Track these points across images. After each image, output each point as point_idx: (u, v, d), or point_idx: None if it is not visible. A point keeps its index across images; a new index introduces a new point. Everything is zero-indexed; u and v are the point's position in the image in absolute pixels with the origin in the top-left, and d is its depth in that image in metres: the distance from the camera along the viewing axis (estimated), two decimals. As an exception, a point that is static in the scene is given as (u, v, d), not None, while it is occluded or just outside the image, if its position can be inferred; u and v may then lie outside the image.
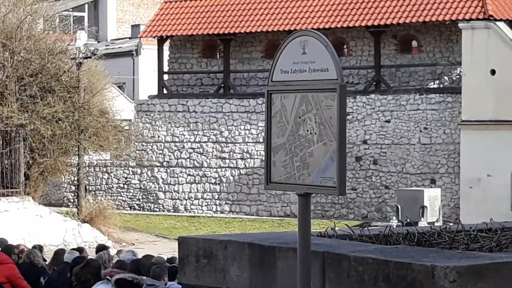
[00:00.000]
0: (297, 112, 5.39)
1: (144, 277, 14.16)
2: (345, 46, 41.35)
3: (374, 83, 40.54)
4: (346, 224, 7.12)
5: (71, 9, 62.17)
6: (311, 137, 5.31)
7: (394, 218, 32.03)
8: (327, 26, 39.00)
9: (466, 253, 5.41)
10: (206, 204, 42.82)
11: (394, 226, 9.92)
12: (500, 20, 37.70)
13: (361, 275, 5.21)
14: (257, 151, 41.51)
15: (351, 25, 40.43)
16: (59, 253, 18.05)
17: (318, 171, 5.27)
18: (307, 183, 5.34)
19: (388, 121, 39.50)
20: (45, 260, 17.46)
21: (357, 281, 5.23)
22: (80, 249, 19.46)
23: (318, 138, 5.26)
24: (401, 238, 6.19)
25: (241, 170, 42.15)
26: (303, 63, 5.37)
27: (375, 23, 39.90)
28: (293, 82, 5.43)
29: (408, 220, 29.35)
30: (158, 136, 43.79)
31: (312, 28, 32.35)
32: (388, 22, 39.70)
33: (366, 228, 6.68)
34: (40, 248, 18.63)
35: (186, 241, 6.55)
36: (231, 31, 42.88)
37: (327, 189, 5.28)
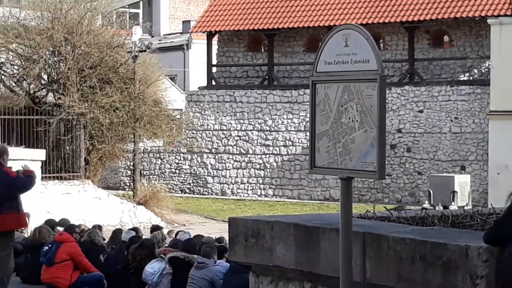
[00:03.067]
0: (339, 101, 5.38)
1: (195, 256, 14.23)
2: (381, 41, 41.13)
3: (408, 75, 40.41)
4: (385, 207, 7.10)
5: (127, 6, 62.42)
6: (352, 124, 5.31)
7: (427, 202, 31.94)
8: (364, 22, 38.75)
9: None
10: (251, 188, 42.86)
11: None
12: (527, 16, 37.60)
13: (399, 255, 5.20)
14: (298, 139, 41.48)
15: (386, 20, 40.32)
16: (116, 232, 18.20)
17: (359, 157, 5.27)
18: (349, 168, 5.35)
19: (421, 111, 39.37)
20: (104, 239, 17.59)
21: (396, 260, 5.21)
22: (135, 229, 19.60)
23: (359, 126, 5.27)
24: (436, 220, 6.16)
25: (283, 157, 42.15)
26: (345, 55, 5.37)
27: (409, 19, 39.82)
28: (336, 72, 5.43)
29: (443, 203, 29.21)
30: (207, 125, 43.88)
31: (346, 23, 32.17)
32: (421, 18, 39.59)
33: (403, 210, 6.66)
34: (99, 228, 18.79)
35: (235, 222, 6.56)
36: (275, 27, 42.85)
37: (368, 173, 5.29)
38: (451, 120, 38.82)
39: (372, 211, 6.43)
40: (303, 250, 5.90)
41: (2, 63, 38.52)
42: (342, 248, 5.31)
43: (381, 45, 41.45)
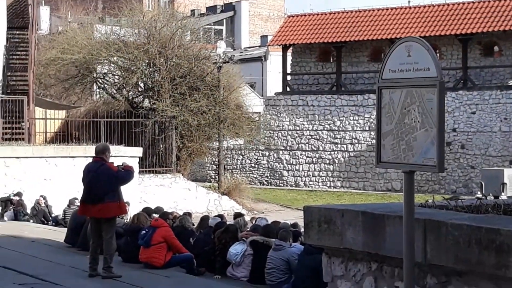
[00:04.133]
0: (403, 104, 5.41)
1: (273, 239, 14.23)
2: (437, 51, 40.77)
3: (462, 81, 40.09)
4: (443, 197, 7.02)
5: (212, 24, 62.82)
6: (414, 124, 5.33)
7: (479, 193, 31.59)
8: (422, 35, 38.45)
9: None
10: (322, 180, 42.85)
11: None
12: None
13: (456, 239, 5.14)
14: (363, 137, 41.40)
15: (442, 33, 40.11)
16: (204, 219, 18.28)
17: (421, 153, 5.29)
18: (411, 163, 5.37)
19: (473, 113, 39.08)
20: (193, 224, 17.69)
21: (453, 244, 5.16)
22: (220, 216, 19.66)
23: (420, 126, 5.29)
24: (489, 209, 6.06)
25: (350, 153, 42.07)
26: (408, 64, 5.39)
27: (463, 32, 39.59)
28: (400, 79, 5.45)
29: (494, 194, 28.88)
30: (282, 125, 43.97)
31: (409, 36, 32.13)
32: (474, 31, 39.33)
33: (459, 200, 6.57)
34: (189, 214, 18.88)
35: (310, 210, 6.53)
36: (342, 40, 42.80)
37: (429, 167, 5.30)
38: (501, 121, 38.52)
39: (431, 201, 6.35)
40: (370, 235, 5.86)
41: (105, 73, 39.11)
42: (405, 233, 5.31)
43: (438, 54, 41.07)
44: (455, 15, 40.42)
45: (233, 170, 43.68)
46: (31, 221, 25.03)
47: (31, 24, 34.27)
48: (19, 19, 35.02)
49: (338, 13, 44.75)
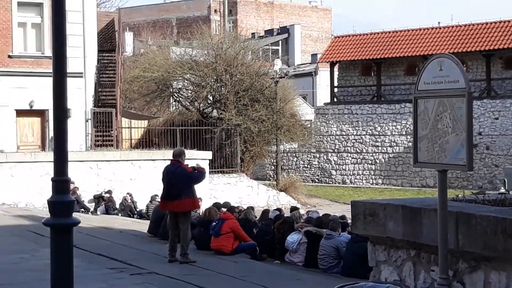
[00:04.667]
0: (436, 112, 5.42)
1: (324, 230, 14.20)
2: (464, 65, 40.24)
3: (486, 91, 39.50)
4: (472, 192, 6.94)
5: (270, 44, 62.91)
6: (446, 129, 5.35)
7: (502, 188, 31.05)
8: (451, 51, 37.96)
9: None
10: (365, 178, 42.57)
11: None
12: None
13: (484, 229, 5.10)
14: (401, 141, 41.07)
15: (468, 50, 39.59)
16: (265, 212, 18.29)
17: (452, 154, 5.31)
18: (444, 162, 5.39)
19: (496, 118, 38.50)
20: (256, 217, 17.72)
21: (482, 233, 5.13)
22: (279, 209, 19.67)
23: (451, 131, 5.31)
24: (513, 202, 6.00)
25: (389, 154, 41.72)
26: (440, 77, 5.41)
27: (486, 48, 39.03)
28: (433, 90, 5.46)
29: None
30: (331, 131, 43.79)
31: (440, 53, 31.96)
32: (496, 47, 38.75)
33: (485, 195, 6.50)
34: (252, 208, 18.91)
35: (356, 204, 6.52)
36: (382, 56, 42.51)
37: (459, 166, 5.32)
38: (521, 125, 38.13)
39: (461, 195, 6.30)
40: (409, 225, 5.83)
41: (180, 88, 39.40)
42: (440, 223, 5.29)
43: (465, 68, 40.53)
44: (480, 34, 39.89)
45: (289, 170, 43.61)
46: (120, 214, 25.33)
47: (118, 47, 34.73)
48: (107, 43, 35.50)
49: (378, 33, 44.47)
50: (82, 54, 30.00)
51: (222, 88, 37.08)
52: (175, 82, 39.09)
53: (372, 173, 42.36)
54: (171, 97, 40.07)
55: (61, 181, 6.25)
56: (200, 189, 15.69)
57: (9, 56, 29.10)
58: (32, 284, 10.02)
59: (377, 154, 42.23)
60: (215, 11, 71.94)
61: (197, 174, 13.16)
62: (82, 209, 24.64)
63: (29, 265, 11.70)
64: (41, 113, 29.44)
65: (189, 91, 39.10)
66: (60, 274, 6.19)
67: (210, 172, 30.26)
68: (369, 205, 6.34)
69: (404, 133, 40.65)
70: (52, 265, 6.21)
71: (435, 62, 5.45)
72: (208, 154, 30.06)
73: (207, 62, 37.60)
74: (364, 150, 42.66)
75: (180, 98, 39.50)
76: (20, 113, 29.22)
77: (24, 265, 11.82)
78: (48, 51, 29.24)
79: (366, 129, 42.56)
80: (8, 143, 28.59)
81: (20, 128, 29.54)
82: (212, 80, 37.32)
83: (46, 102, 28.06)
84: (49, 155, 25.56)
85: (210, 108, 38.31)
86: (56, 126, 6.28)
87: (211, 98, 38.47)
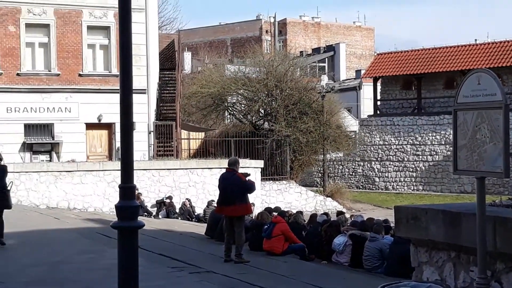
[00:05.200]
0: (474, 123, 5.37)
1: (368, 232, 14.08)
2: (500, 79, 39.53)
3: (521, 103, 38.73)
4: (509, 197, 6.80)
5: (317, 62, 62.76)
6: (484, 139, 5.29)
7: (537, 193, 30.43)
8: (487, 66, 37.37)
9: None
10: (406, 185, 42.10)
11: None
12: None
13: (521, 232, 5.01)
14: (440, 150, 40.52)
15: (504, 64, 38.88)
16: (313, 216, 18.23)
17: (490, 162, 5.25)
18: (482, 170, 5.30)
19: (532, 128, 37.73)
20: (304, 221, 17.66)
21: (518, 236, 5.04)
22: (326, 214, 19.60)
23: (489, 140, 5.25)
24: (548, 206, 5.87)
25: (429, 163, 41.19)
26: (478, 90, 5.35)
27: (521, 62, 38.39)
28: (472, 103, 5.40)
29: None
30: (374, 141, 43.46)
31: (477, 68, 31.48)
32: (530, 61, 38.04)
33: (522, 200, 6.37)
34: (301, 213, 18.88)
35: (400, 209, 6.45)
36: (422, 72, 42.06)
37: (497, 174, 5.25)
38: (554, 135, 37.09)
39: (498, 201, 6.18)
40: (449, 229, 5.75)
41: (233, 103, 39.55)
42: (478, 226, 5.21)
43: (501, 82, 39.93)
44: (513, 49, 39.23)
45: (335, 177, 43.41)
46: (179, 218, 25.50)
47: (177, 66, 35.07)
48: (168, 62, 35.87)
49: (418, 50, 44.04)
50: (146, 73, 30.38)
51: (273, 102, 37.11)
52: (229, 97, 39.27)
53: (413, 180, 41.88)
54: (226, 111, 40.25)
55: (127, 188, 6.34)
56: (252, 195, 15.72)
57: (80, 75, 29.61)
58: (101, 281, 10.15)
59: (417, 162, 41.75)
60: (266, 31, 72.18)
61: (250, 184, 13.16)
62: (146, 213, 24.88)
63: (98, 264, 11.86)
64: (108, 126, 29.87)
65: (243, 105, 39.23)
66: (126, 272, 6.27)
67: (262, 179, 30.32)
68: (412, 210, 6.27)
69: (443, 142, 40.11)
70: (120, 264, 6.28)
71: (473, 77, 5.40)
72: (260, 163, 30.10)
73: (259, 78, 37.70)
74: (406, 159, 42.22)
75: (234, 112, 39.66)
76: (89, 126, 29.69)
77: (94, 264, 11.98)
78: (115, 70, 29.70)
79: (407, 139, 42.13)
80: (79, 154, 29.07)
81: (89, 140, 30.01)
82: (264, 95, 37.39)
83: (113, 116, 28.56)
84: (116, 164, 25.96)
85: (261, 120, 38.37)
86: (123, 138, 6.37)
87: (262, 111, 38.53)
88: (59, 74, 29.29)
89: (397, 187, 42.30)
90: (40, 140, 28.93)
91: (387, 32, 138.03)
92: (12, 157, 27.70)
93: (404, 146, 42.21)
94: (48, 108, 28.98)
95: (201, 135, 38.91)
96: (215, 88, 37.66)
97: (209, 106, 39.13)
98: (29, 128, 28.76)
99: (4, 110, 28.33)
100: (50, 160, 28.38)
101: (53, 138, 29.06)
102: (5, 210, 14.31)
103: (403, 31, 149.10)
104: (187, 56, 57.64)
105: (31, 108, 28.72)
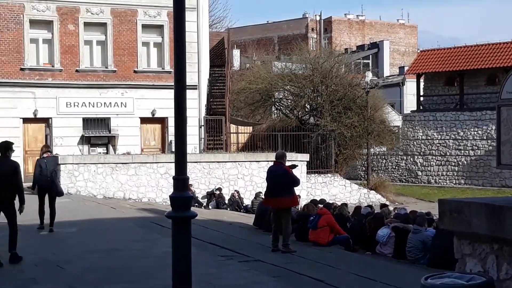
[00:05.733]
0: None
1: (410, 225, 13.96)
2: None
3: None
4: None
5: (361, 58, 62.31)
6: None
7: None
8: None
9: None
10: (449, 178, 41.54)
11: None
12: None
13: None
14: (482, 144, 39.84)
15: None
16: (357, 208, 18.16)
17: None
18: None
19: None
20: (349, 212, 17.59)
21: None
22: (370, 206, 19.50)
23: None
24: None
25: (471, 157, 40.55)
26: None
27: None
28: None
29: None
30: (417, 136, 42.96)
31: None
32: None
33: None
34: (345, 205, 18.80)
35: (443, 202, 6.37)
36: (464, 68, 41.41)
37: None
38: None
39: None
40: (492, 221, 5.66)
41: (280, 98, 39.55)
42: (521, 220, 5.12)
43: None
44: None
45: (378, 171, 43.07)
46: (228, 209, 25.61)
47: (227, 63, 35.21)
48: (218, 59, 36.04)
49: (460, 47, 43.37)
50: (197, 69, 30.56)
51: (318, 98, 36.99)
52: (276, 93, 39.27)
53: (455, 174, 41.30)
54: (273, 106, 40.27)
55: (181, 180, 6.40)
56: (298, 187, 15.71)
57: (135, 71, 29.95)
58: (155, 268, 10.28)
59: (459, 156, 41.15)
60: (312, 29, 71.90)
61: (294, 177, 13.14)
62: (196, 204, 25.06)
63: (152, 252, 12.00)
64: (161, 120, 30.16)
65: (289, 101, 39.20)
66: (180, 259, 6.34)
67: (307, 173, 30.24)
68: (455, 203, 6.19)
69: (485, 137, 39.44)
70: (174, 251, 6.36)
71: (517, 73, 5.30)
72: (306, 157, 30.03)
73: (305, 74, 37.62)
74: (448, 153, 41.65)
75: (281, 107, 39.65)
76: (143, 120, 30.02)
77: (148, 251, 12.13)
78: (168, 67, 29.96)
79: (449, 134, 41.54)
80: (134, 146, 29.43)
81: (143, 134, 30.35)
82: (310, 91, 37.30)
83: (165, 111, 28.84)
84: (168, 157, 26.20)
85: (307, 115, 38.28)
86: (177, 133, 6.44)
87: (308, 106, 38.44)
88: (115, 70, 29.68)
89: (439, 180, 41.78)
90: (98, 134, 29.37)
91: (430, 29, 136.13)
92: (71, 149, 28.21)
93: (447, 141, 41.65)
94: (105, 103, 29.41)
95: (249, 129, 39.00)
96: (263, 84, 37.70)
97: (257, 102, 39.20)
98: (87, 122, 29.22)
99: (64, 105, 28.85)
100: (107, 153, 28.80)
101: (109, 131, 29.47)
102: (61, 199, 14.65)
103: (446, 29, 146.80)
104: (236, 53, 57.79)
105: (89, 103, 29.19)
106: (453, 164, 41.35)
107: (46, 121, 28.68)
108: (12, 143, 11.10)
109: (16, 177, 10.48)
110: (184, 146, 6.41)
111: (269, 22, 77.40)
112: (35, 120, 28.45)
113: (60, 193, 14.80)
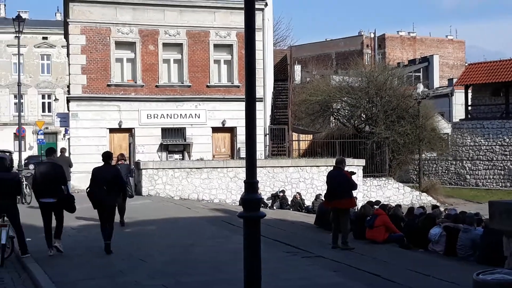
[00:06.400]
0: None
1: (460, 225, 13.67)
2: None
3: None
4: None
5: (413, 72, 61.39)
6: None
7: None
8: None
9: None
10: (495, 182, 40.40)
11: None
12: None
13: None
14: (527, 150, 38.73)
15: None
16: (410, 209, 17.86)
17: None
18: None
19: None
20: (402, 213, 17.34)
21: None
22: (422, 207, 19.17)
23: None
24: None
25: (517, 162, 39.45)
26: None
27: None
28: None
29: None
30: (465, 142, 41.96)
31: None
32: None
33: None
34: (399, 206, 18.61)
35: (493, 203, 6.26)
36: (509, 80, 40.29)
37: None
38: None
39: None
40: (540, 222, 5.51)
41: (338, 109, 39.32)
42: None
43: None
44: None
45: (429, 175, 42.24)
46: (291, 209, 25.60)
47: (289, 77, 35.25)
48: (281, 74, 36.11)
49: (506, 60, 42.28)
50: (262, 83, 30.71)
51: (373, 108, 36.62)
52: (334, 104, 39.08)
53: (502, 178, 40.15)
54: (331, 116, 40.08)
55: (251, 183, 6.46)
56: (356, 190, 15.59)
57: (207, 86, 30.31)
58: (228, 262, 10.38)
59: (505, 161, 40.00)
60: (367, 46, 71.29)
61: (354, 182, 13.09)
62: (262, 205, 25.13)
63: (225, 248, 12.11)
64: (230, 130, 30.40)
65: (346, 111, 38.94)
66: (250, 255, 6.39)
67: (363, 176, 29.95)
68: (504, 205, 6.07)
69: (530, 143, 38.28)
70: (245, 248, 6.42)
71: None
72: (362, 162, 29.77)
73: (361, 87, 37.32)
74: (495, 159, 40.55)
75: (339, 117, 39.43)
76: (215, 129, 30.32)
77: (221, 247, 12.25)
78: (236, 82, 30.21)
79: (496, 141, 40.45)
80: (206, 153, 29.77)
81: (215, 141, 30.66)
82: (365, 102, 36.97)
83: (234, 121, 29.09)
84: (237, 162, 26.39)
85: (363, 124, 37.94)
86: (248, 141, 6.50)
87: (364, 116, 38.09)
88: (190, 85, 30.10)
89: (487, 183, 40.70)
90: (174, 142, 29.83)
91: (477, 44, 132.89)
92: (152, 156, 28.74)
93: (493, 147, 40.55)
94: (180, 114, 29.85)
95: (310, 137, 38.90)
96: (322, 96, 37.59)
97: (317, 112, 39.09)
98: (165, 132, 29.72)
99: (145, 116, 29.43)
100: (182, 159, 29.21)
101: (185, 140, 29.89)
102: (143, 200, 15.04)
103: (492, 44, 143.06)
104: (297, 68, 57.77)
105: (167, 114, 29.68)
106: (499, 168, 40.23)
107: (130, 131, 29.32)
108: (111, 153, 11.99)
109: (118, 180, 11.34)
110: (254, 153, 6.47)
111: (327, 40, 77.15)
112: (120, 130, 29.12)
113: (130, 196, 15.29)
